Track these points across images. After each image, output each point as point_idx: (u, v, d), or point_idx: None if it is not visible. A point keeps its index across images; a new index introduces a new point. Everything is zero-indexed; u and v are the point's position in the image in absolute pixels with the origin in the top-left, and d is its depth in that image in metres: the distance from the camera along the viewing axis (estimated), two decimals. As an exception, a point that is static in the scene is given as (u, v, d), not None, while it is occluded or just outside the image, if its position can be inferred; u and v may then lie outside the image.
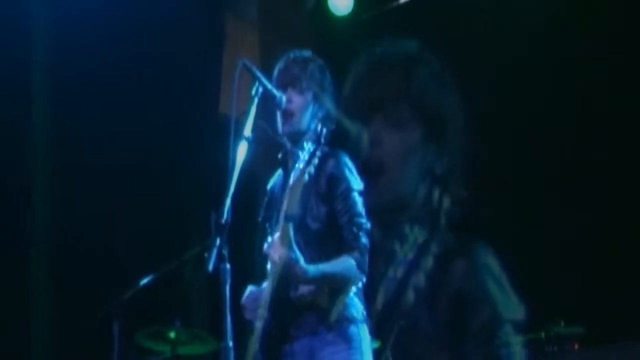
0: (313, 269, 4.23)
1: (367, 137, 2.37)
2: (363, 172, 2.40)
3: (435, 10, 7.29)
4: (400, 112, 2.36)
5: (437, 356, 2.21)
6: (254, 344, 4.39)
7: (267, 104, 4.53)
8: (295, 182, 4.26)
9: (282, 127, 4.57)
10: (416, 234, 2.36)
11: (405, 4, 7.57)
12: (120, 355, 6.03)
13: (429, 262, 2.29)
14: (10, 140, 7.52)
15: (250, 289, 4.44)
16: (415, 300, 2.28)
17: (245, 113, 4.43)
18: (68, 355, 7.28)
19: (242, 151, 4.36)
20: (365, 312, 4.41)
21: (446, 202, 2.34)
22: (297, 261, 4.16)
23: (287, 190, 4.32)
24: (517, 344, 2.19)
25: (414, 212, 2.34)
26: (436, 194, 2.34)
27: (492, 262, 2.27)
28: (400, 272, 2.33)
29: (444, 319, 2.21)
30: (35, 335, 7.59)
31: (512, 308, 2.21)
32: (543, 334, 5.54)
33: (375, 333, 3.92)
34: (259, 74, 4.47)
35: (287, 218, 4.26)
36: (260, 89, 4.45)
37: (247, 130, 4.36)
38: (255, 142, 4.46)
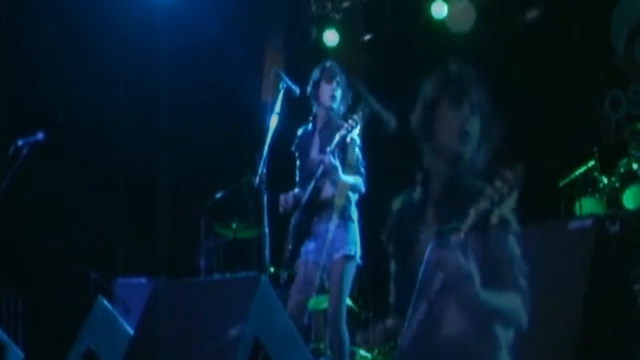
0: (343, 176, 4.76)
1: (457, 119, 2.63)
2: (459, 139, 2.64)
3: (390, 42, 8.06)
4: (474, 108, 2.65)
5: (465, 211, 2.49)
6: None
7: (289, 93, 4.99)
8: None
9: (317, 107, 4.97)
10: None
11: (370, 39, 8.25)
12: (205, 236, 7.10)
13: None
14: (143, 121, 8.52)
15: (281, 196, 5.03)
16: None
17: (275, 99, 4.90)
18: (178, 237, 7.82)
19: (273, 120, 4.86)
20: (357, 214, 4.97)
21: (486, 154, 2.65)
22: (336, 167, 4.72)
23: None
24: (513, 218, 2.57)
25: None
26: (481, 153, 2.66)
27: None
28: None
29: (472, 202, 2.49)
30: (161, 225, 8.16)
31: (510, 205, 2.50)
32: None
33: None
34: (284, 76, 4.95)
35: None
36: (284, 85, 4.92)
37: (277, 108, 4.86)
38: (280, 115, 4.93)
